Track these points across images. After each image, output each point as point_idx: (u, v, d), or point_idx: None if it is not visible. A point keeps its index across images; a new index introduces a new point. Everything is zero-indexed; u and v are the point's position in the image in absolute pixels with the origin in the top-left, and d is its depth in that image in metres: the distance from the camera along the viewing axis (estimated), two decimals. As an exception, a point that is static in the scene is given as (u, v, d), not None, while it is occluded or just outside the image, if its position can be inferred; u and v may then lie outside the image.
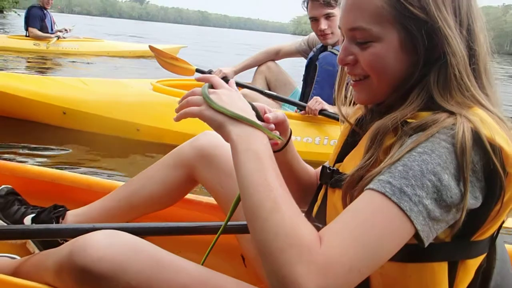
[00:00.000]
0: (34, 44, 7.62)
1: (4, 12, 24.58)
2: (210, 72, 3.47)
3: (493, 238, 0.77)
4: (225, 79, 3.30)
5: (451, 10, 0.72)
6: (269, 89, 3.30)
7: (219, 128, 0.75)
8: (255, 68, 3.47)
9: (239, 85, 3.29)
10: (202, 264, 0.94)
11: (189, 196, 1.37)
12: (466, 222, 0.67)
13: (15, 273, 1.10)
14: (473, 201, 0.66)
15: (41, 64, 6.97)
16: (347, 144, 0.88)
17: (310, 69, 2.95)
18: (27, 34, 7.69)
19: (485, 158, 0.65)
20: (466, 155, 0.64)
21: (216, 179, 1.20)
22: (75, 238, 0.92)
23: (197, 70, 3.59)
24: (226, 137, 0.74)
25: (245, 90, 3.15)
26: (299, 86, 3.29)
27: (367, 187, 0.66)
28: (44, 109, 3.06)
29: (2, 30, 12.22)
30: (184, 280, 0.88)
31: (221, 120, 0.74)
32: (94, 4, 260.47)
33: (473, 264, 0.75)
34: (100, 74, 6.11)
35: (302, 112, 2.90)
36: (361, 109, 0.90)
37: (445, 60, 0.71)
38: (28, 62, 7.08)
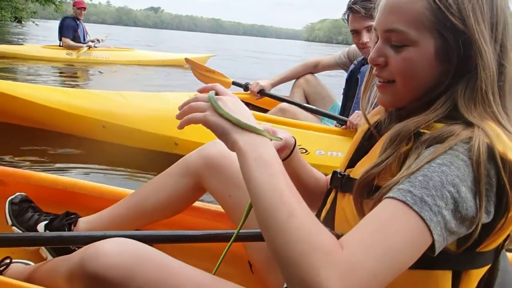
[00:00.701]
0: (66, 54, 7.83)
1: (23, 22, 25.03)
2: (247, 85, 3.44)
3: (498, 250, 0.76)
4: (262, 92, 3.32)
5: (489, 25, 0.73)
6: (308, 103, 3.19)
7: (223, 135, 0.73)
8: (293, 81, 3.36)
9: (277, 98, 3.22)
10: (214, 274, 0.94)
11: (197, 204, 1.38)
12: (472, 236, 0.67)
13: (29, 279, 1.13)
14: (486, 215, 0.66)
15: (73, 74, 7.14)
16: (359, 150, 0.89)
17: (351, 82, 2.83)
18: (61, 44, 7.92)
19: (497, 172, 0.66)
20: (481, 168, 0.64)
21: (225, 188, 1.21)
22: (86, 246, 0.94)
23: (234, 83, 3.53)
24: (231, 144, 0.73)
25: (284, 104, 3.08)
26: (338, 99, 3.18)
27: (386, 196, 0.65)
28: (84, 123, 3.05)
29: (21, 40, 12.46)
30: (193, 287, 0.89)
31: (226, 127, 0.73)
32: (110, 13, 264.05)
33: (477, 274, 0.75)
34: (130, 84, 6.18)
35: (343, 126, 2.79)
36: (379, 114, 0.90)
37: (475, 72, 0.72)
38: (61, 71, 7.24)
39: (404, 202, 0.63)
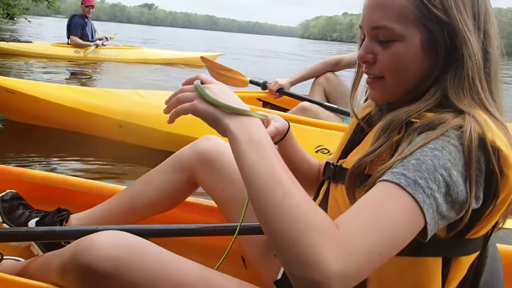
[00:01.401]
0: (74, 52, 7.82)
1: (15, 19, 24.85)
2: (265, 83, 3.35)
3: (487, 237, 0.78)
4: (281, 90, 3.26)
5: (471, 14, 0.75)
6: (328, 102, 3.10)
7: (214, 122, 0.73)
8: (312, 79, 3.27)
9: (297, 97, 3.15)
10: (216, 269, 0.94)
11: (190, 199, 1.38)
12: (462, 221, 0.69)
13: (21, 274, 1.12)
14: (475, 200, 0.67)
15: (81, 72, 7.12)
16: (351, 141, 0.90)
17: None
18: (69, 42, 7.92)
19: (487, 159, 0.67)
20: (472, 154, 0.65)
21: (217, 182, 1.21)
22: (79, 239, 0.93)
23: (251, 82, 3.45)
24: (223, 130, 0.72)
25: (305, 103, 3.01)
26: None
27: (380, 179, 0.66)
28: (100, 122, 2.97)
29: (13, 37, 12.39)
30: (188, 279, 0.89)
31: (216, 113, 0.73)
32: (104, 9, 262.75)
33: (466, 261, 0.77)
34: (139, 83, 6.14)
35: None
36: (370, 107, 0.91)
37: (462, 61, 0.74)
38: (68, 69, 7.22)
39: (398, 184, 0.63)
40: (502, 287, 0.87)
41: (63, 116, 3.03)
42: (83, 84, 5.84)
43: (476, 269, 0.79)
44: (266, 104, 3.44)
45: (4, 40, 8.08)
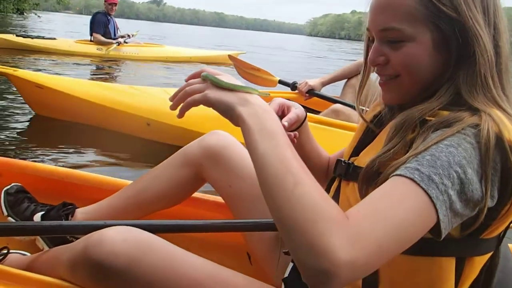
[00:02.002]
0: (97, 49, 7.92)
1: (25, 14, 25.02)
2: (295, 84, 3.27)
3: (500, 237, 0.77)
4: (312, 92, 3.16)
5: (481, 9, 0.73)
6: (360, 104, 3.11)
7: (227, 111, 0.72)
8: (344, 81, 3.22)
9: (328, 99, 3.08)
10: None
11: (196, 194, 1.36)
12: (477, 220, 0.68)
13: (28, 268, 1.11)
14: (490, 199, 0.66)
15: (103, 69, 7.21)
16: (363, 139, 0.89)
17: None
18: (91, 39, 8.01)
19: (504, 159, 0.66)
20: (489, 153, 0.64)
21: (225, 178, 1.20)
22: (89, 234, 0.93)
23: (280, 82, 3.37)
24: (236, 118, 0.71)
25: (337, 105, 2.94)
26: None
27: (394, 173, 0.65)
28: (128, 120, 2.95)
29: (24, 32, 12.46)
30: (197, 274, 0.89)
31: (229, 101, 0.72)
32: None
33: (480, 261, 0.76)
34: (160, 81, 6.16)
35: None
36: (379, 106, 0.91)
37: (474, 58, 0.73)
38: (90, 67, 7.30)
39: (411, 179, 0.62)
40: None
41: (91, 112, 3.02)
42: (105, 82, 5.92)
43: (488, 269, 0.78)
44: None
45: (29, 37, 8.20)
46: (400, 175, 0.63)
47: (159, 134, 2.94)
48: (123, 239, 0.88)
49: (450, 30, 0.73)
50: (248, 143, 0.69)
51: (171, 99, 0.79)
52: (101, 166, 2.69)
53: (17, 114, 3.55)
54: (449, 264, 0.73)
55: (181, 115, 0.78)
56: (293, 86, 3.30)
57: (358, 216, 0.59)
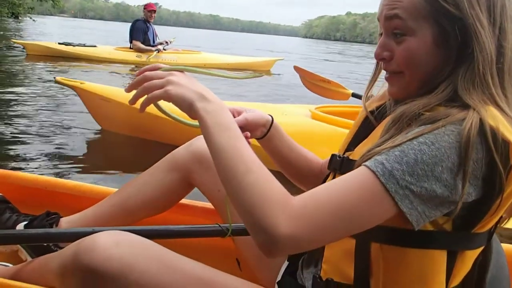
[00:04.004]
0: (136, 56, 8.03)
1: (20, 18, 24.94)
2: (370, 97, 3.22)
3: (491, 232, 0.79)
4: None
5: (485, 8, 0.74)
6: None
7: (188, 106, 0.78)
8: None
9: None
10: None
11: (184, 201, 1.33)
12: (468, 214, 0.71)
13: (13, 278, 1.08)
14: (467, 195, 0.68)
15: None
16: (359, 134, 0.91)
17: None
18: (131, 47, 8.10)
19: (489, 154, 0.67)
20: (468, 150, 0.66)
21: (213, 183, 1.18)
22: (79, 240, 0.90)
23: (353, 95, 3.22)
24: (194, 113, 0.78)
25: None
26: None
27: (364, 163, 0.70)
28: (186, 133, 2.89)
29: (18, 37, 12.41)
30: (191, 278, 0.88)
31: (190, 96, 0.78)
32: (107, 9, 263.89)
33: (471, 255, 0.78)
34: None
35: None
36: (380, 101, 0.92)
37: (473, 55, 0.74)
38: (130, 75, 7.29)
39: (373, 171, 0.67)
40: (508, 281, 0.87)
41: (164, 129, 2.84)
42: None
43: (481, 264, 0.81)
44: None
45: (70, 44, 8.36)
46: (366, 165, 0.69)
47: None
48: (115, 243, 0.86)
49: (451, 27, 0.74)
50: (205, 135, 0.76)
51: (128, 90, 0.84)
52: (86, 174, 2.65)
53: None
54: (441, 257, 0.75)
55: (142, 110, 0.81)
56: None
57: (305, 198, 0.67)
